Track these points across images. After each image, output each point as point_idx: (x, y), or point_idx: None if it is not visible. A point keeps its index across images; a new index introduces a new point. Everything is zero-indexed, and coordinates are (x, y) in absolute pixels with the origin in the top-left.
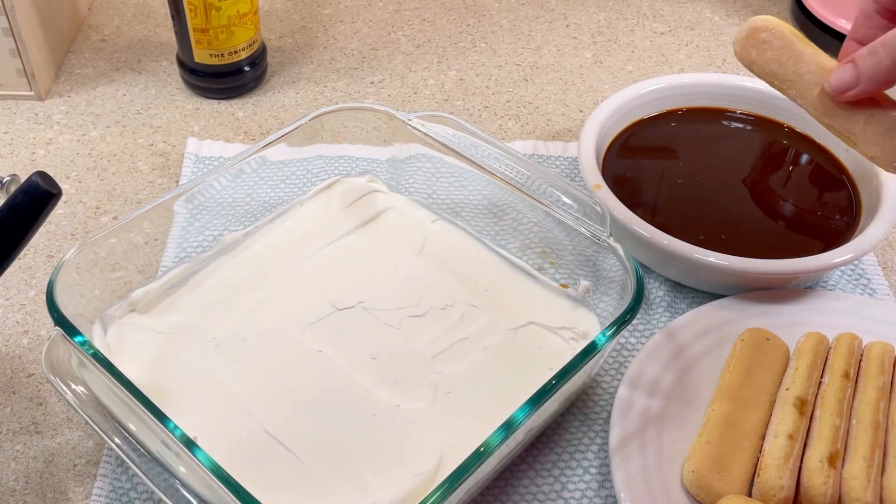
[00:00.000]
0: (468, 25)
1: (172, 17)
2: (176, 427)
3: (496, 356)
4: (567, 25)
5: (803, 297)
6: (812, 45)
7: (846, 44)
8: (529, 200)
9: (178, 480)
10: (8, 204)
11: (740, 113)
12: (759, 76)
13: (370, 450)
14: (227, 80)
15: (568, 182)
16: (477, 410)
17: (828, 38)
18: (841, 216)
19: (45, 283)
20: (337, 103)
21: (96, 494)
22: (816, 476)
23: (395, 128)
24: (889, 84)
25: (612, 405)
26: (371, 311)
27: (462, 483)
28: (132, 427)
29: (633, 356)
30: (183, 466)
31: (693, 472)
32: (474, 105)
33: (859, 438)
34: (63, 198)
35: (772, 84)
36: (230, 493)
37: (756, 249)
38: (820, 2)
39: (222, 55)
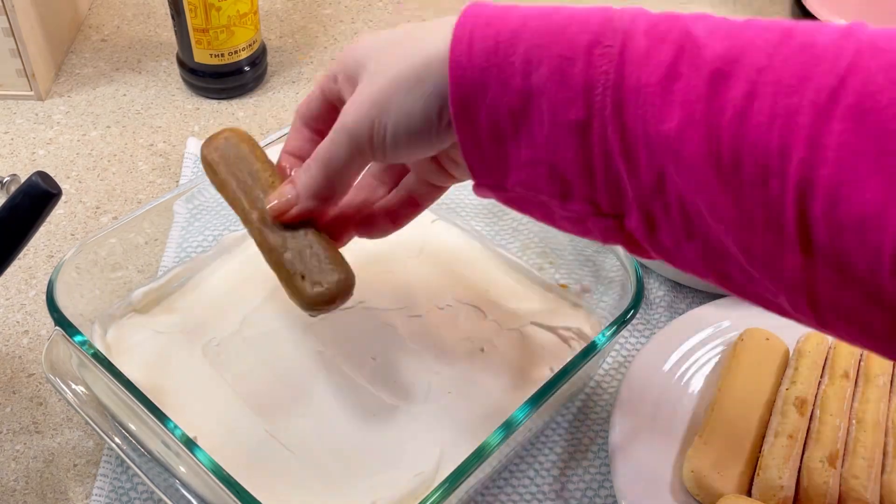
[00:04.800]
0: None
1: (172, 17)
2: (176, 427)
3: (496, 356)
4: None
5: None
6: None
7: (281, 156)
8: None
9: (178, 480)
10: (8, 204)
11: None
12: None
13: (370, 450)
14: (227, 79)
15: None
16: (477, 410)
17: None
18: None
19: (46, 282)
20: None
21: (96, 494)
22: (817, 476)
23: None
24: (329, 199)
25: (612, 405)
26: (371, 311)
27: (462, 483)
28: (132, 427)
29: (633, 356)
30: (183, 466)
31: (693, 471)
32: None
33: (860, 438)
34: (63, 198)
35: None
36: (230, 493)
37: None
38: (820, 2)
39: (222, 55)
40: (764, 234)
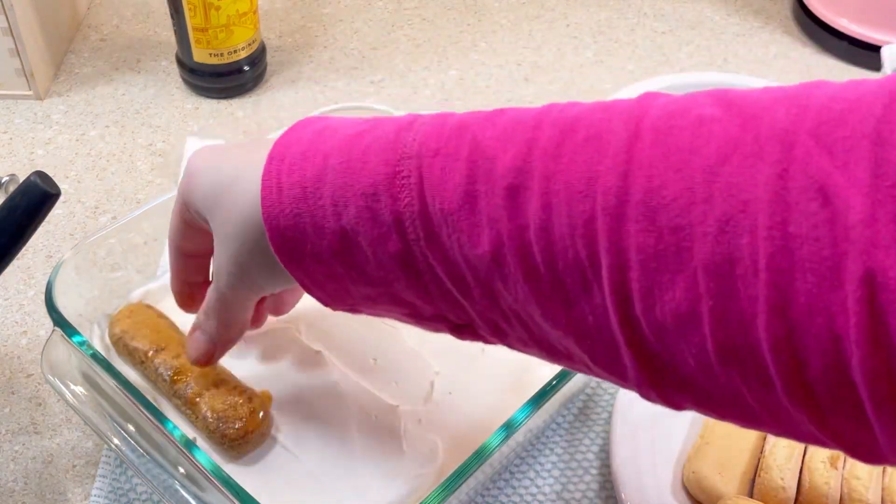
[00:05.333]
0: (468, 25)
1: (172, 17)
2: (175, 427)
3: (496, 356)
4: (567, 25)
5: None
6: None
7: (174, 284)
8: None
9: (178, 481)
10: (7, 204)
11: None
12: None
13: (370, 450)
14: (226, 79)
15: None
16: (477, 411)
17: (829, 37)
18: None
19: (44, 283)
20: (337, 103)
21: (95, 495)
22: (818, 477)
23: None
24: (240, 336)
25: (612, 405)
26: None
27: (462, 484)
28: (131, 427)
29: None
30: (182, 467)
31: (694, 472)
32: (474, 105)
33: None
34: (62, 198)
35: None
36: (230, 494)
37: None
38: (821, 1)
39: (222, 54)
40: (599, 339)
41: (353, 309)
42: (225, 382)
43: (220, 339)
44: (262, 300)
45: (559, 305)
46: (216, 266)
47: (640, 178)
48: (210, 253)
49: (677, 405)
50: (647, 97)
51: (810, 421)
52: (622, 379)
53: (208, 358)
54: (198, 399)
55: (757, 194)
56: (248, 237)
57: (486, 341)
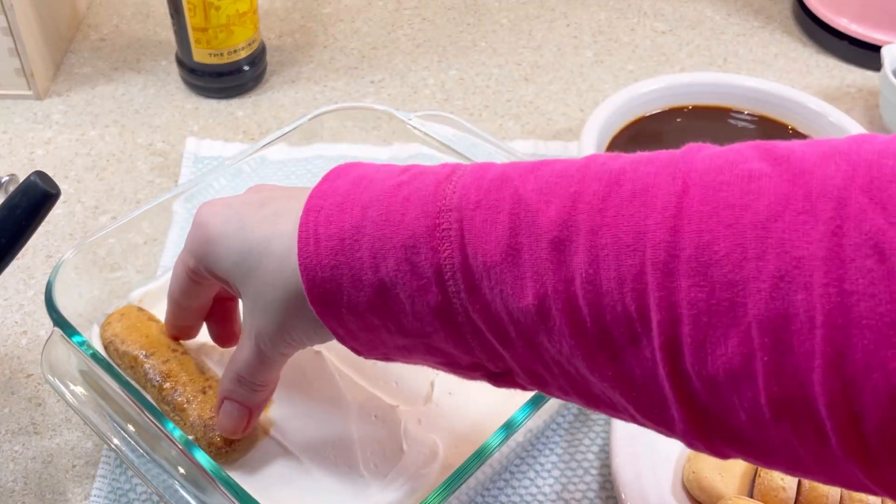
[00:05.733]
0: (468, 25)
1: (171, 17)
2: (175, 428)
3: None
4: (568, 25)
5: None
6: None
7: (169, 330)
8: None
9: (178, 481)
10: (6, 204)
11: (744, 112)
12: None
13: (370, 450)
14: (226, 79)
15: None
16: (477, 411)
17: (829, 37)
18: None
19: (44, 283)
20: (337, 103)
21: (95, 495)
22: None
23: (395, 127)
24: (267, 401)
25: None
26: None
27: (462, 484)
28: (131, 428)
29: None
30: (182, 467)
31: (694, 472)
32: (474, 105)
33: None
34: (62, 198)
35: None
36: (229, 494)
37: None
38: (821, 1)
39: (221, 54)
40: (646, 392)
41: (386, 357)
42: (213, 388)
43: (258, 402)
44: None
45: (605, 358)
46: (252, 328)
47: (690, 232)
48: (209, 302)
49: (723, 454)
50: (691, 150)
51: (861, 471)
52: (668, 429)
53: (246, 425)
54: (185, 405)
55: (811, 251)
56: (291, 302)
57: (525, 389)
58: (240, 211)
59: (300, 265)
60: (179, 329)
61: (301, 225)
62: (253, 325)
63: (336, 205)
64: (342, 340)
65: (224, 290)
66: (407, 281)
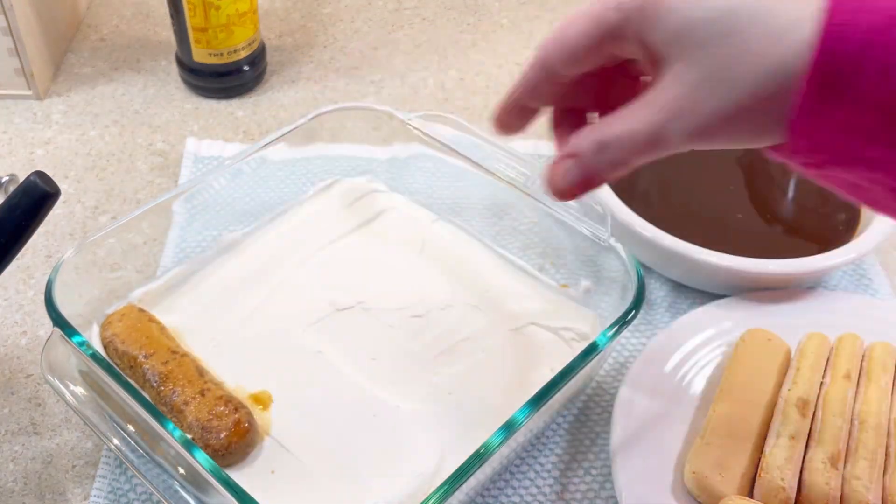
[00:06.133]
0: (468, 25)
1: (171, 17)
2: (175, 428)
3: (496, 356)
4: None
5: (805, 297)
6: None
7: (513, 95)
8: (529, 200)
9: (178, 481)
10: (6, 204)
11: None
12: None
13: (370, 450)
14: (226, 79)
15: None
16: (477, 411)
17: None
18: (842, 216)
19: (44, 283)
20: (337, 103)
21: (95, 495)
22: (818, 477)
23: (395, 128)
24: (606, 182)
25: (613, 406)
26: (371, 311)
27: (462, 484)
28: (131, 428)
29: (634, 356)
30: (182, 467)
31: (694, 472)
32: (474, 105)
33: (861, 439)
34: (62, 197)
35: None
36: (230, 495)
37: (758, 250)
38: None
39: (221, 54)
40: None
41: (827, 177)
42: (211, 391)
43: (599, 176)
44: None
45: None
46: (671, 105)
47: None
48: (585, 81)
49: None
50: None
51: None
52: None
53: (573, 191)
54: (183, 407)
55: None
56: (769, 81)
57: None
58: None
59: (825, 33)
60: (517, 105)
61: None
62: (676, 102)
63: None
64: (792, 147)
65: (615, 61)
66: None
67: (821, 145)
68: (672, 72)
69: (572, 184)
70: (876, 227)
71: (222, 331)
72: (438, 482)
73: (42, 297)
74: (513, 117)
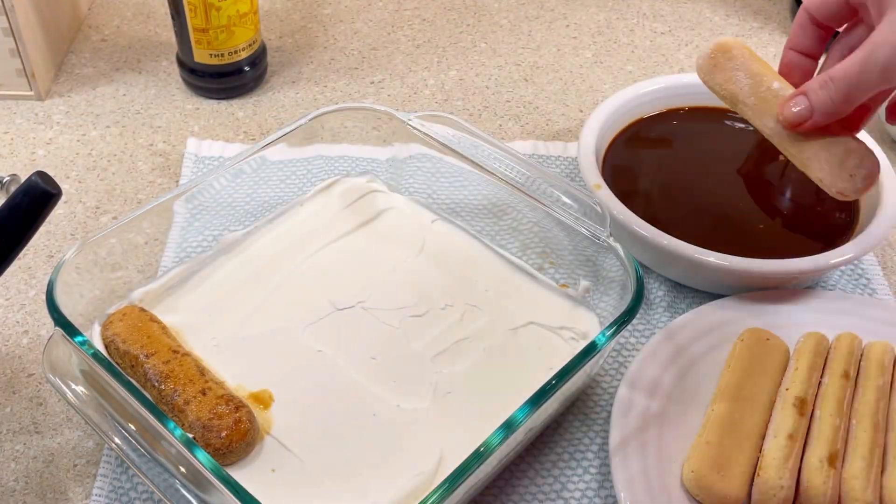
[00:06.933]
0: (468, 25)
1: (172, 17)
2: (176, 427)
3: (496, 356)
4: (567, 25)
5: (803, 297)
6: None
7: (786, 52)
8: (529, 200)
9: (178, 480)
10: (8, 204)
11: None
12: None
13: (370, 450)
14: (227, 79)
15: (568, 182)
16: (477, 410)
17: None
18: (841, 216)
19: (45, 282)
20: (337, 103)
21: (96, 494)
22: (816, 476)
23: (395, 128)
24: (839, 116)
25: (611, 405)
26: (371, 311)
27: (462, 483)
28: (132, 427)
29: (633, 356)
30: (183, 466)
31: (693, 472)
32: (474, 105)
33: (859, 438)
34: (63, 198)
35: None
36: (230, 493)
37: (756, 249)
38: None
39: (222, 55)
40: None
41: None
42: (212, 390)
43: (825, 111)
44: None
45: None
46: (880, 39)
47: None
48: (836, 24)
49: None
50: None
51: None
52: None
53: (800, 123)
54: (185, 406)
55: None
56: None
57: None
58: None
59: None
60: (795, 56)
61: None
62: (884, 34)
63: None
64: None
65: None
66: None
67: None
68: (887, 19)
69: (800, 115)
70: (874, 227)
71: (223, 330)
72: (438, 481)
73: (43, 297)
74: (793, 70)
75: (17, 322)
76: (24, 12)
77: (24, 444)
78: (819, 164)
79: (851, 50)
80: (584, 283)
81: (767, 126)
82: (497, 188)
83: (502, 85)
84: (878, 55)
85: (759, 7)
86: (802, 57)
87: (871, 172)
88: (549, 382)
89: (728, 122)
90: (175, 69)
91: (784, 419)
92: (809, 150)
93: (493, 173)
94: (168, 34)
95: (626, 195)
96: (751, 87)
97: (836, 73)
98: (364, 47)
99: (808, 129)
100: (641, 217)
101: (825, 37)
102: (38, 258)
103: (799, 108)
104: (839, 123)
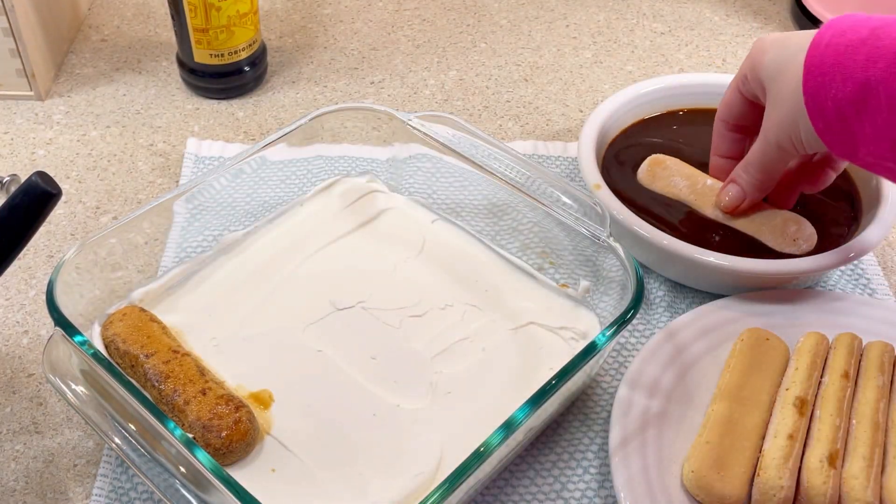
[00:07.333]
0: (468, 25)
1: (172, 17)
2: (176, 427)
3: (496, 356)
4: (567, 25)
5: (803, 297)
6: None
7: (712, 159)
8: (529, 200)
9: (178, 480)
10: (8, 204)
11: None
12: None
13: (370, 450)
14: (227, 80)
15: (568, 182)
16: (477, 410)
17: None
18: (841, 216)
19: (45, 282)
20: (337, 103)
21: (96, 494)
22: (816, 476)
23: (395, 128)
24: (767, 191)
25: (612, 405)
26: (371, 311)
27: (462, 483)
28: (132, 427)
29: (633, 356)
30: (183, 466)
31: (693, 472)
32: (474, 105)
33: (859, 438)
34: (63, 198)
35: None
36: (230, 493)
37: (756, 249)
38: (820, 1)
39: (222, 55)
40: None
41: (853, 153)
42: (212, 390)
43: (753, 190)
44: (801, 175)
45: None
46: (768, 125)
47: None
48: (745, 128)
49: None
50: None
51: None
52: None
53: (737, 205)
54: (185, 406)
55: None
56: (798, 96)
57: None
58: (788, 34)
59: (806, 61)
60: (719, 160)
61: (816, 35)
62: (769, 119)
63: (849, 25)
64: (819, 133)
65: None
66: (891, 81)
67: (837, 135)
68: (768, 106)
69: (736, 199)
70: (874, 227)
71: (223, 330)
72: (438, 481)
73: (43, 297)
74: (721, 171)
75: (17, 322)
76: (24, 12)
77: (24, 444)
78: (766, 236)
79: None
80: (584, 283)
81: (713, 213)
82: (497, 188)
83: (502, 85)
84: (769, 137)
85: (759, 7)
86: (728, 160)
87: (811, 235)
88: (549, 382)
89: None
90: (175, 69)
91: (784, 419)
92: (753, 226)
93: (493, 173)
94: (168, 34)
95: (626, 195)
96: (689, 187)
97: (749, 158)
98: (364, 47)
99: (746, 208)
100: (641, 217)
101: (743, 138)
102: (38, 258)
103: (733, 193)
104: (774, 202)
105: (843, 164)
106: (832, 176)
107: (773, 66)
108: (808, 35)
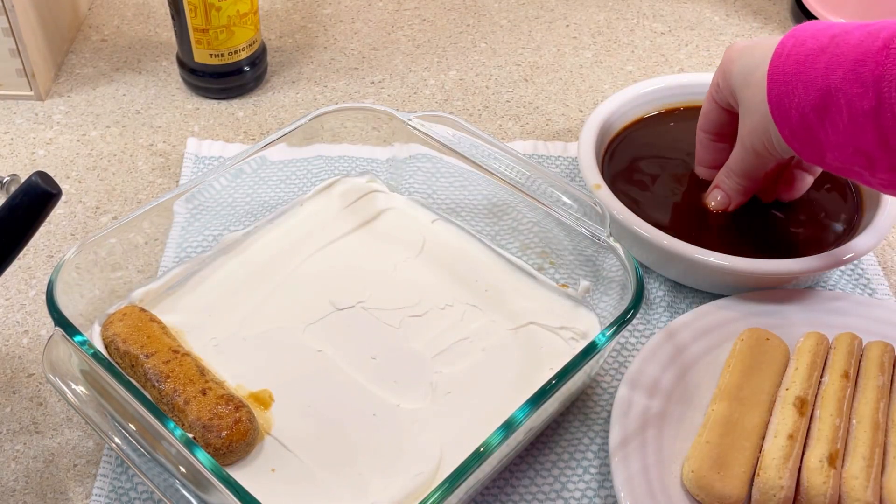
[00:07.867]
0: (468, 25)
1: (172, 17)
2: (176, 427)
3: (496, 356)
4: (567, 25)
5: (803, 297)
6: None
7: (697, 169)
8: (529, 200)
9: (178, 480)
10: (8, 204)
11: None
12: None
13: (370, 450)
14: (227, 80)
15: (568, 182)
16: (477, 410)
17: None
18: (841, 216)
19: (45, 282)
20: (337, 103)
21: (96, 494)
22: (816, 476)
23: (395, 128)
24: (751, 194)
25: (611, 405)
26: (371, 311)
27: (462, 483)
28: (132, 427)
29: (633, 356)
30: (183, 466)
31: (693, 471)
32: (474, 105)
33: (859, 438)
34: (63, 198)
35: None
36: (230, 493)
37: (756, 249)
38: (820, 1)
39: (222, 55)
40: None
41: (821, 158)
42: (212, 390)
43: (737, 194)
44: (778, 181)
45: None
46: (743, 132)
47: None
48: (726, 136)
49: None
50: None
51: None
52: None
53: (723, 210)
54: (185, 406)
55: None
56: (766, 104)
57: None
58: (755, 42)
59: (769, 71)
60: (704, 170)
61: (778, 45)
62: (744, 127)
63: (811, 34)
64: (786, 140)
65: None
66: (849, 87)
67: (803, 142)
68: (740, 114)
69: (722, 203)
70: (874, 227)
71: (223, 330)
72: (438, 481)
73: (43, 297)
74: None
75: (18, 322)
76: (24, 12)
77: (25, 443)
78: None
79: None
80: (584, 283)
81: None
82: (497, 188)
83: (502, 85)
84: (745, 143)
85: (759, 7)
86: (712, 170)
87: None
88: (549, 382)
89: None
90: (175, 69)
91: (784, 419)
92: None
93: (493, 173)
94: (168, 34)
95: (626, 195)
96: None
97: (730, 164)
98: (364, 47)
99: (735, 208)
100: (641, 217)
101: (726, 147)
102: (38, 258)
103: (719, 199)
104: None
105: (818, 169)
106: (809, 179)
107: (741, 75)
108: (774, 42)
